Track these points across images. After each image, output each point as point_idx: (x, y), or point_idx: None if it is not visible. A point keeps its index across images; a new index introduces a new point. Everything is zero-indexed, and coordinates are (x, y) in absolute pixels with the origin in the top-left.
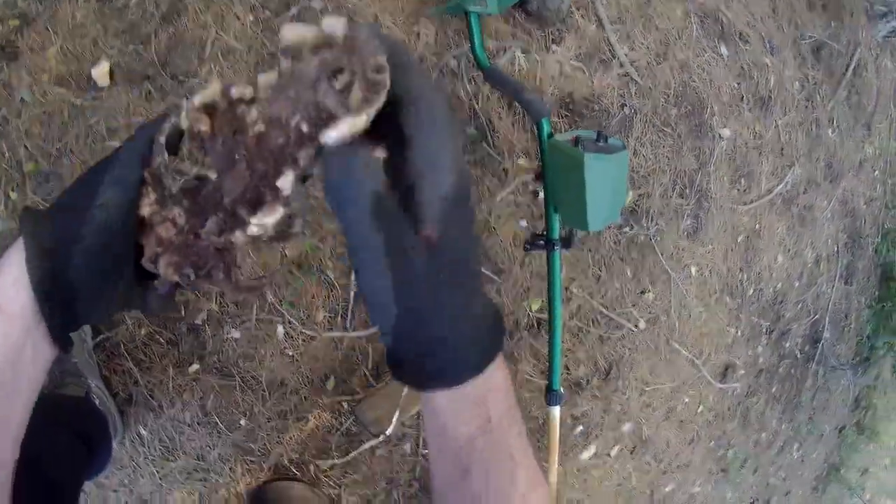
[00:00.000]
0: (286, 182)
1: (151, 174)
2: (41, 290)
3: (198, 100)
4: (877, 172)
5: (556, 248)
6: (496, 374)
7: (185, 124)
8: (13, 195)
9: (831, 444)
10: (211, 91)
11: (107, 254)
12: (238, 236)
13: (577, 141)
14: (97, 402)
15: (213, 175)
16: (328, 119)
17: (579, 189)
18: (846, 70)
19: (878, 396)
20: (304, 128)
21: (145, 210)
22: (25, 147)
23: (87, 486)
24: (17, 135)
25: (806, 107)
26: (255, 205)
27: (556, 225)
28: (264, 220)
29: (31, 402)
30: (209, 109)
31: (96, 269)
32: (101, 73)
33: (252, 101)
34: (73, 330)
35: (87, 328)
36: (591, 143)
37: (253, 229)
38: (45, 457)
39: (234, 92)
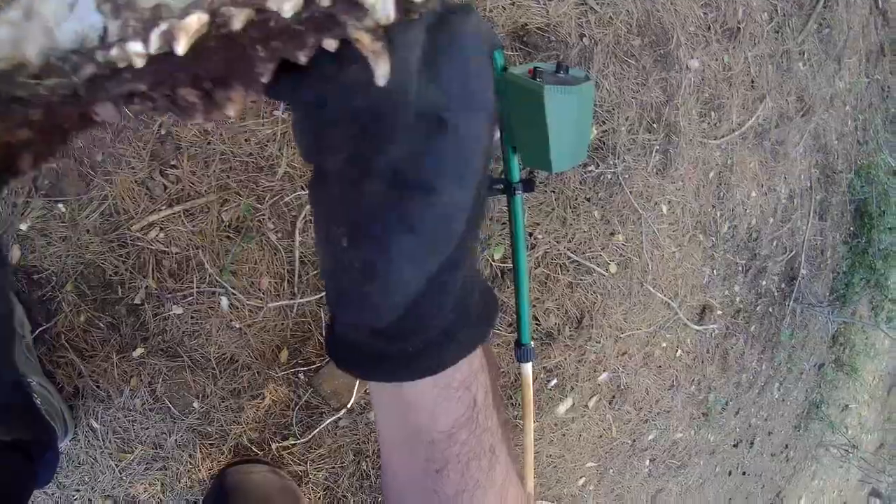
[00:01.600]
0: (267, 75)
1: None
2: None
3: None
4: (848, 107)
5: (516, 191)
6: (479, 350)
7: None
8: None
9: (811, 381)
10: None
11: None
12: None
13: (535, 73)
14: (40, 400)
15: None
16: (328, 22)
17: (540, 126)
18: (816, 3)
19: (855, 333)
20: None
21: None
22: None
23: (50, 488)
24: None
25: (776, 39)
26: (217, 85)
27: (516, 166)
28: (228, 108)
29: None
30: None
31: None
32: None
33: None
34: None
35: (24, 323)
36: (550, 76)
37: (200, 118)
38: None
39: None
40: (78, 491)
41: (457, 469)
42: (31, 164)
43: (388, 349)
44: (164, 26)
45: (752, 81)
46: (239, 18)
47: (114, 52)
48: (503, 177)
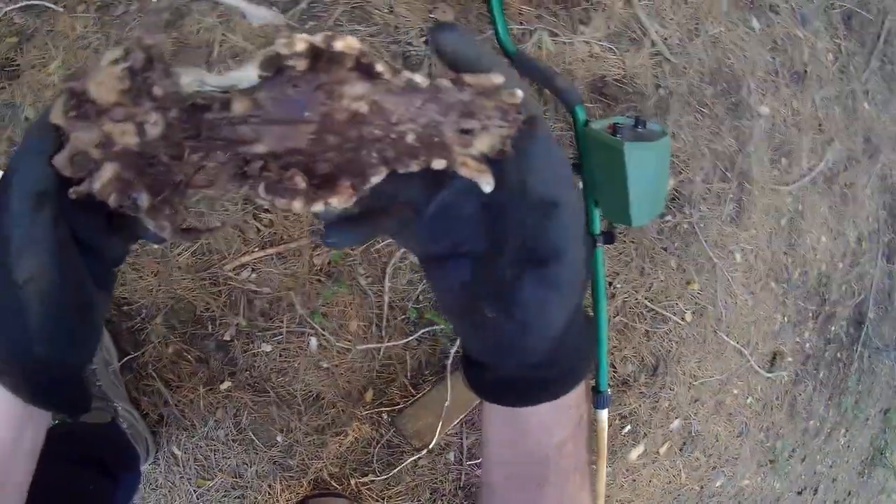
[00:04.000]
0: (377, 177)
1: (143, 48)
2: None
3: (314, 39)
4: None
5: (598, 243)
6: None
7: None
8: None
9: (876, 427)
10: (339, 41)
11: (63, 323)
12: (239, 185)
13: (615, 129)
14: (125, 425)
15: (252, 109)
16: (438, 147)
17: (621, 181)
18: (878, 39)
19: None
20: (410, 139)
21: (98, 90)
22: None
23: None
24: None
25: (841, 79)
26: (326, 181)
27: (597, 219)
28: (332, 200)
29: (32, 467)
30: (312, 52)
31: (62, 343)
32: None
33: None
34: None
35: (111, 350)
36: (629, 130)
37: (298, 204)
38: (58, 498)
39: (360, 50)
40: None
41: (556, 484)
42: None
43: (533, 377)
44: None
45: (820, 125)
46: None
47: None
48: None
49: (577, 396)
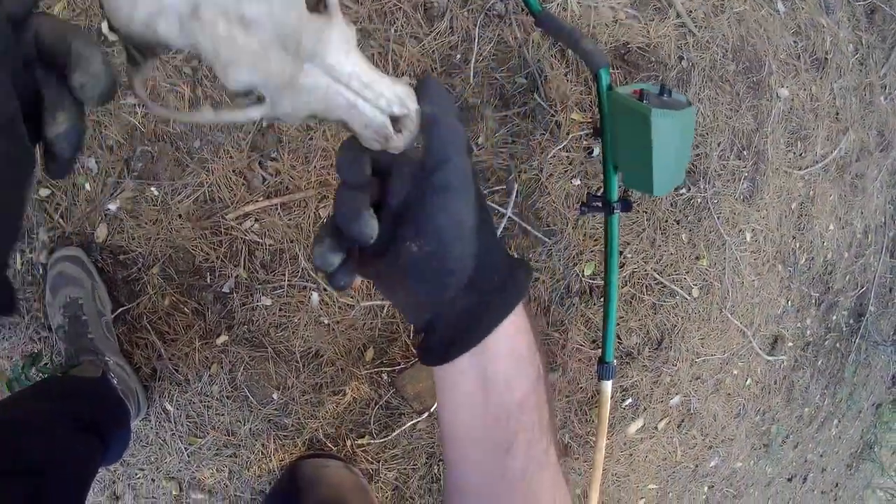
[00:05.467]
0: None
1: None
2: None
3: None
4: None
5: (614, 210)
6: (532, 331)
7: None
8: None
9: (868, 420)
10: None
11: None
12: None
13: (641, 94)
14: (116, 380)
15: None
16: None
17: (645, 148)
18: None
19: None
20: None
21: None
22: None
23: (113, 466)
24: None
25: (860, 71)
26: None
27: (616, 186)
28: None
29: None
30: None
31: None
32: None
33: None
34: None
35: (105, 301)
36: (655, 98)
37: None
38: (54, 465)
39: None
40: (142, 470)
41: (522, 446)
42: None
43: (474, 300)
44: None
45: (837, 113)
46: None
47: None
48: (601, 195)
49: (529, 349)
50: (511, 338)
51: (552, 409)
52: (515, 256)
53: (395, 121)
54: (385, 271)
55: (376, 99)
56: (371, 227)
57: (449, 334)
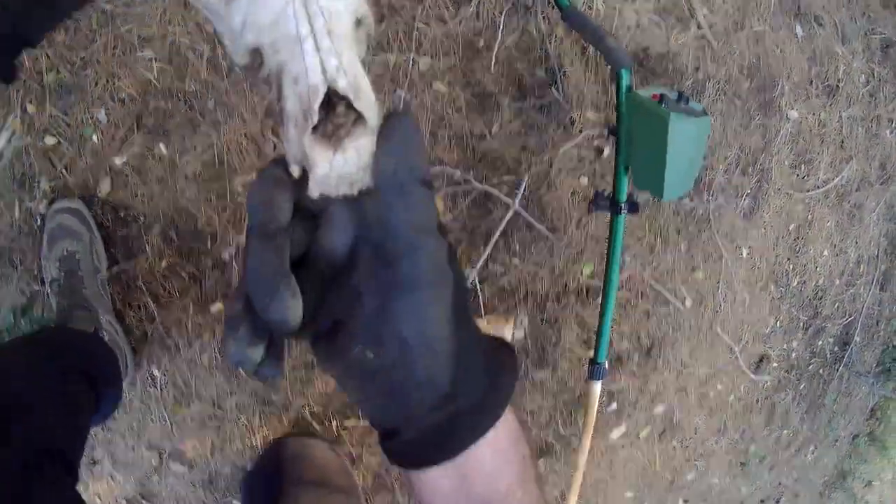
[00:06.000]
0: None
1: None
2: None
3: None
4: None
5: (621, 211)
6: (513, 414)
7: None
8: (31, 108)
9: (844, 450)
10: None
11: None
12: None
13: (660, 98)
14: (107, 338)
15: None
16: None
17: (660, 151)
18: None
19: (893, 410)
20: None
21: None
22: (47, 56)
23: (93, 429)
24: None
25: (869, 102)
26: None
27: (625, 186)
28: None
29: None
30: None
31: None
32: None
33: None
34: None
35: (102, 257)
36: (673, 103)
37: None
38: (43, 401)
39: None
40: (123, 437)
41: None
42: None
43: (448, 416)
44: None
45: (843, 141)
46: None
47: None
48: (609, 194)
49: (511, 434)
50: (491, 436)
51: (542, 490)
52: (497, 347)
53: (332, 114)
54: (327, 365)
55: (328, 53)
56: (293, 309)
57: (415, 447)
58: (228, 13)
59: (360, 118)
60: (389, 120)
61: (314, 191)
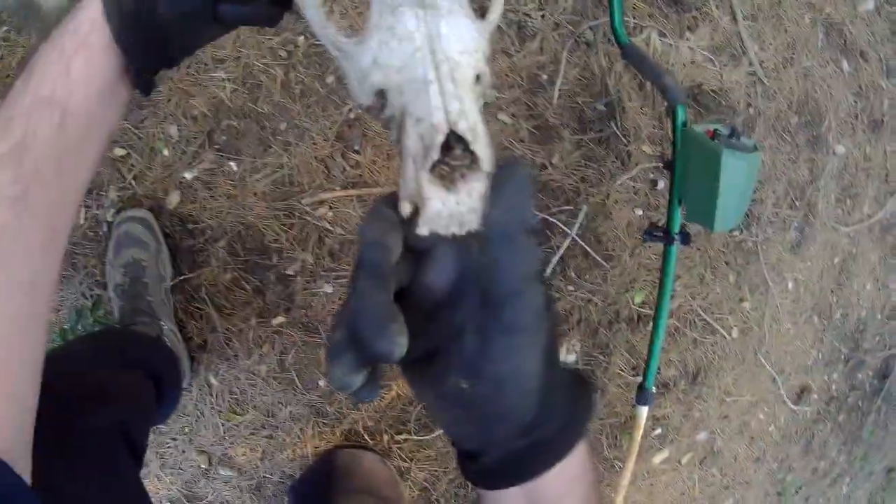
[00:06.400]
0: None
1: None
2: (125, 27)
3: None
4: None
5: (674, 241)
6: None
7: None
8: None
9: (878, 483)
10: None
11: None
12: None
13: (714, 134)
14: (168, 344)
15: None
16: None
17: (713, 184)
18: None
19: None
20: None
21: None
22: None
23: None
24: None
25: None
26: None
27: (678, 218)
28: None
29: (106, 145)
30: None
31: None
32: None
33: None
34: (157, 68)
35: (167, 266)
36: (725, 138)
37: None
38: (115, 391)
39: None
40: (174, 439)
41: None
42: None
43: (529, 444)
44: None
45: (887, 175)
46: None
47: None
48: (663, 225)
49: (581, 462)
50: (565, 462)
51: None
52: (577, 381)
53: (449, 155)
54: (419, 390)
55: (451, 97)
56: (399, 345)
57: (494, 469)
58: (358, 54)
59: (475, 162)
60: (505, 169)
61: (424, 228)
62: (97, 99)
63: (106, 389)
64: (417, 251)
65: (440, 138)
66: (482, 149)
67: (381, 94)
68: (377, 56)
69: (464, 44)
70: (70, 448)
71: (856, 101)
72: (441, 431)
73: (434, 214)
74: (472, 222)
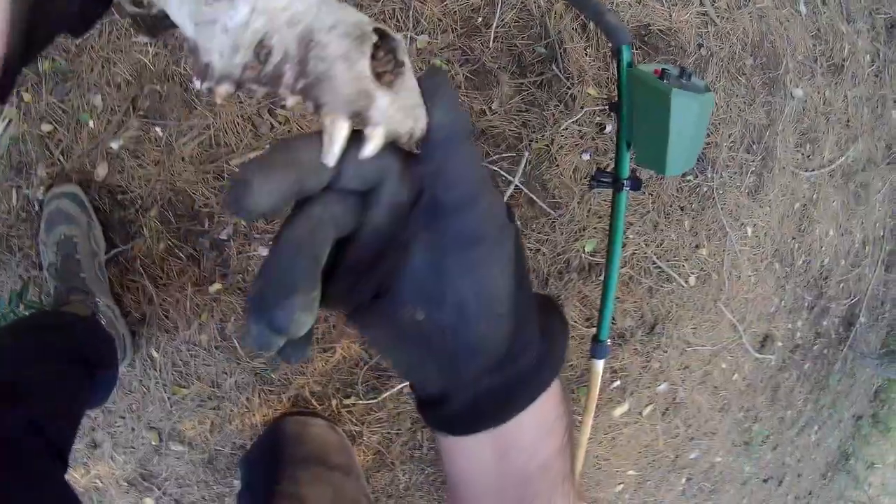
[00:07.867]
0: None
1: None
2: None
3: None
4: None
5: (624, 187)
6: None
7: None
8: (27, 96)
9: (847, 431)
10: None
11: None
12: None
13: (662, 74)
14: (104, 321)
15: None
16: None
17: (662, 127)
18: None
19: None
20: None
21: None
22: None
23: (94, 410)
24: None
25: (874, 83)
26: None
27: (627, 162)
28: None
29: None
30: None
31: None
32: None
33: None
34: None
35: (100, 241)
36: (675, 79)
37: None
38: (27, 389)
39: None
40: (123, 418)
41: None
42: None
43: (510, 384)
44: None
45: (848, 120)
46: None
47: None
48: (611, 171)
49: (556, 405)
50: (539, 404)
51: (573, 458)
52: (548, 307)
53: (374, 60)
54: (373, 334)
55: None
56: (296, 328)
57: (465, 413)
58: (228, 11)
59: (399, 66)
60: (430, 76)
61: (370, 144)
62: None
63: (17, 389)
64: (357, 191)
65: (370, 26)
66: (404, 54)
67: (261, 45)
68: (256, 4)
69: None
70: None
71: (814, 45)
72: (392, 391)
73: (381, 116)
74: (418, 128)
